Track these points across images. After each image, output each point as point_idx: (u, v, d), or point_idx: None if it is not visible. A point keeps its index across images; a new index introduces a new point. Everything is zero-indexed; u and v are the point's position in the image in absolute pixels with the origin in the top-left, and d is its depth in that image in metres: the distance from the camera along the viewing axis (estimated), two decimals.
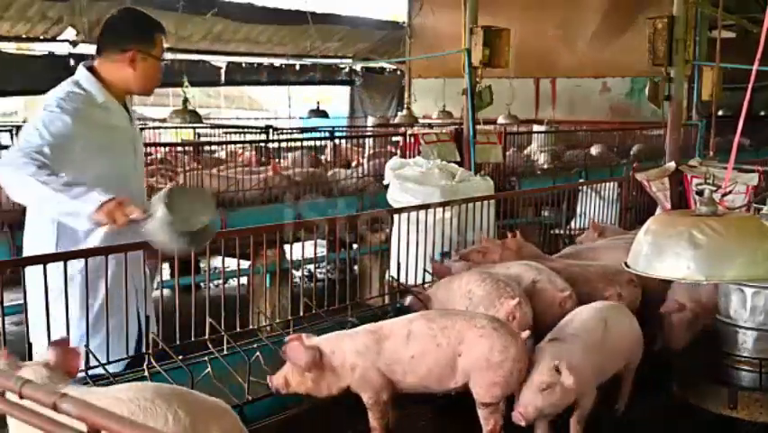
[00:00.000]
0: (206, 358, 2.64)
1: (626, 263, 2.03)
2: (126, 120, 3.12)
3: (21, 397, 1.11)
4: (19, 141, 2.81)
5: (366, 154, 8.43)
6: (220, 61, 14.56)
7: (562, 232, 5.13)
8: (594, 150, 9.79)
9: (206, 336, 2.83)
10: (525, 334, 2.44)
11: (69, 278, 2.60)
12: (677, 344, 3.15)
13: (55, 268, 2.56)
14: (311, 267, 8.08)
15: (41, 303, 2.51)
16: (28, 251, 3.01)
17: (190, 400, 1.88)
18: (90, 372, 2.47)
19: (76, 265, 2.71)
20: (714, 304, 3.06)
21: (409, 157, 6.28)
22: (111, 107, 3.04)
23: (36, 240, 2.98)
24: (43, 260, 2.58)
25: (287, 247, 4.20)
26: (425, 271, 3.64)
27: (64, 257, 2.64)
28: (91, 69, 3.03)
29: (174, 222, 2.43)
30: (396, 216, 4.25)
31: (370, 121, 13.54)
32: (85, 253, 2.71)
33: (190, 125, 9.72)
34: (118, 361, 2.75)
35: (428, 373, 2.42)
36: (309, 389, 2.46)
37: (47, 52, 12.39)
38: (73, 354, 2.06)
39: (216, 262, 3.70)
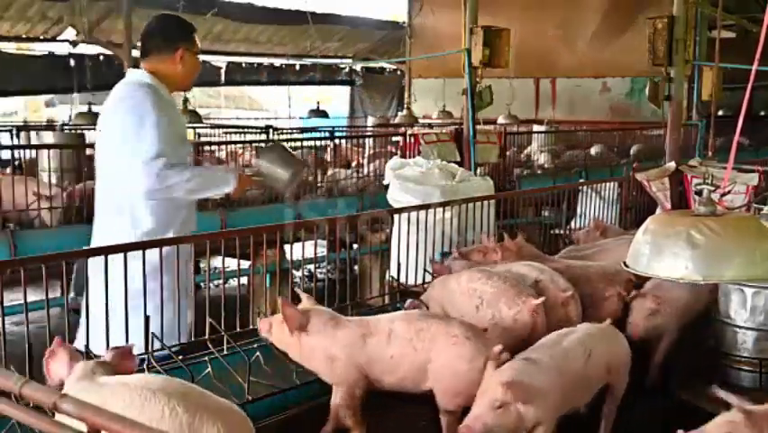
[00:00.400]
0: (206, 358, 2.64)
1: (625, 263, 2.03)
2: (179, 112, 3.74)
3: (20, 397, 1.11)
4: (135, 153, 3.22)
5: (366, 154, 8.42)
6: (220, 61, 14.56)
7: (562, 232, 5.13)
8: (594, 150, 9.79)
9: (206, 336, 2.83)
10: (498, 348, 2.32)
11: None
12: (633, 331, 3.10)
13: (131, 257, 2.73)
14: (311, 267, 8.08)
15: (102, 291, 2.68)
16: (102, 240, 3.30)
17: (195, 397, 1.87)
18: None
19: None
20: (683, 303, 3.07)
21: (409, 157, 6.29)
22: (171, 100, 3.55)
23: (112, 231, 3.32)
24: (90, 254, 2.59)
25: (287, 247, 4.21)
26: (425, 271, 3.64)
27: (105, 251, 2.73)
28: (148, 70, 3.47)
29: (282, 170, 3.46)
30: (396, 216, 4.25)
31: (370, 121, 13.53)
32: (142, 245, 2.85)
33: (190, 125, 9.71)
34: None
35: (404, 375, 2.42)
36: (285, 346, 2.51)
37: (47, 52, 12.39)
38: (130, 356, 2.13)
39: (216, 262, 3.70)
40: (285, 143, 3.86)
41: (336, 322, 2.52)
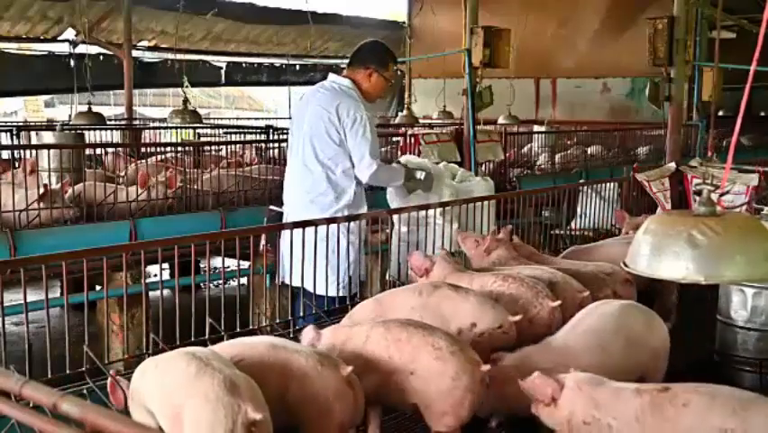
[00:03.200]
0: None
1: (624, 263, 2.03)
2: None
3: (20, 397, 1.11)
4: (364, 148, 4.09)
5: None
6: (220, 61, 14.55)
7: (562, 232, 5.13)
8: (594, 150, 9.78)
9: (206, 336, 2.83)
10: (486, 367, 2.26)
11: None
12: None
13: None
14: None
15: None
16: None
17: (250, 387, 1.97)
18: None
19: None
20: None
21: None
22: (365, 105, 4.25)
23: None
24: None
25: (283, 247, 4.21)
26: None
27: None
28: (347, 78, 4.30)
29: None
30: (396, 217, 4.25)
31: None
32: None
33: (190, 125, 9.71)
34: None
35: (379, 385, 2.29)
36: None
37: (47, 52, 12.38)
38: None
39: (216, 262, 3.70)
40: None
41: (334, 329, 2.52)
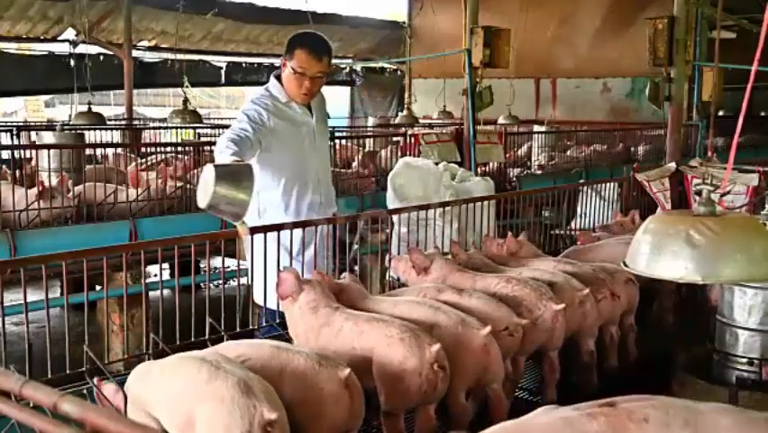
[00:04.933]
0: None
1: (624, 263, 2.03)
2: (306, 115, 3.85)
3: (20, 397, 1.11)
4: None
5: (357, 157, 8.39)
6: (220, 61, 14.56)
7: (562, 232, 5.13)
8: (594, 150, 9.79)
9: (206, 336, 2.83)
10: (436, 347, 2.30)
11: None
12: None
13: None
14: None
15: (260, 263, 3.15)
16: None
17: (264, 387, 1.96)
18: None
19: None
20: None
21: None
22: (291, 105, 3.78)
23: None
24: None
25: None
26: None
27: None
28: (278, 77, 3.80)
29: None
30: (395, 217, 4.25)
31: (371, 121, 13.53)
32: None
33: (190, 125, 9.72)
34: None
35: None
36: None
37: (47, 52, 12.39)
38: None
39: (216, 262, 3.70)
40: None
41: (316, 305, 2.54)
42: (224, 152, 3.23)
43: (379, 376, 2.34)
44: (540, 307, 2.81)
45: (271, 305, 3.27)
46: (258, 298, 3.37)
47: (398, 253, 4.04)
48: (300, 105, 3.81)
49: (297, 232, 3.37)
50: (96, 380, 2.31)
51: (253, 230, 3.16)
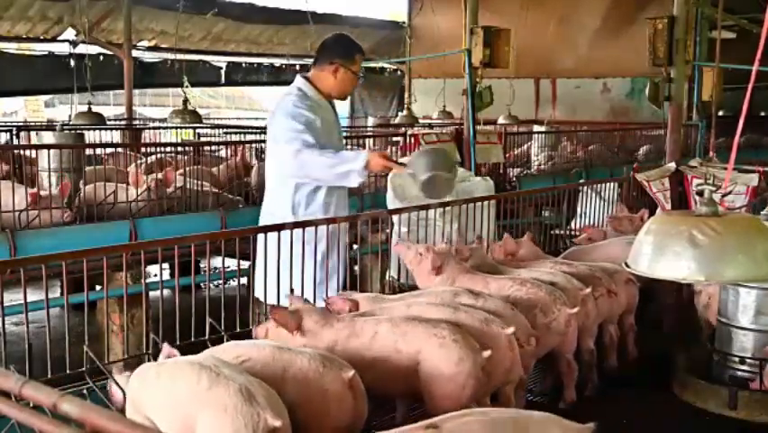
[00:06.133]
0: None
1: (626, 263, 2.02)
2: (331, 113, 4.08)
3: (20, 397, 1.11)
4: (280, 138, 3.79)
5: None
6: (220, 61, 14.55)
7: (562, 232, 5.13)
8: (594, 150, 9.78)
9: (206, 336, 2.83)
10: (487, 353, 2.33)
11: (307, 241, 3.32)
12: None
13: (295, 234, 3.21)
14: None
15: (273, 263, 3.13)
16: (266, 220, 3.87)
17: (266, 393, 1.93)
18: None
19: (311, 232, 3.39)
20: None
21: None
22: (322, 103, 3.98)
23: (276, 210, 3.88)
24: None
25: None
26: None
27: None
28: (306, 78, 4.02)
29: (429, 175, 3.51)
30: (395, 217, 4.25)
31: (371, 121, 13.52)
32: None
33: (190, 125, 9.71)
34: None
35: (388, 378, 2.36)
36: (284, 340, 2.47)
37: (47, 52, 12.38)
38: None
39: (216, 262, 3.70)
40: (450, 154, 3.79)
41: (325, 321, 2.51)
42: (332, 162, 3.67)
43: (428, 378, 2.31)
44: (554, 310, 2.82)
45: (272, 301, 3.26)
46: (260, 294, 3.41)
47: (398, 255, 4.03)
48: (327, 103, 4.04)
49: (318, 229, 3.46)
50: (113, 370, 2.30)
51: (264, 229, 3.22)
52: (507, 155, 8.30)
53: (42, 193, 5.12)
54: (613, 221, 4.32)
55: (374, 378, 2.32)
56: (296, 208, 3.86)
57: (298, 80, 4.03)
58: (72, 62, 11.56)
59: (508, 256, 3.55)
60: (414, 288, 3.40)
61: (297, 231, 3.22)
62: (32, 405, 1.52)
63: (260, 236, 3.42)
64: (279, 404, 1.95)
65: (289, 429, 1.91)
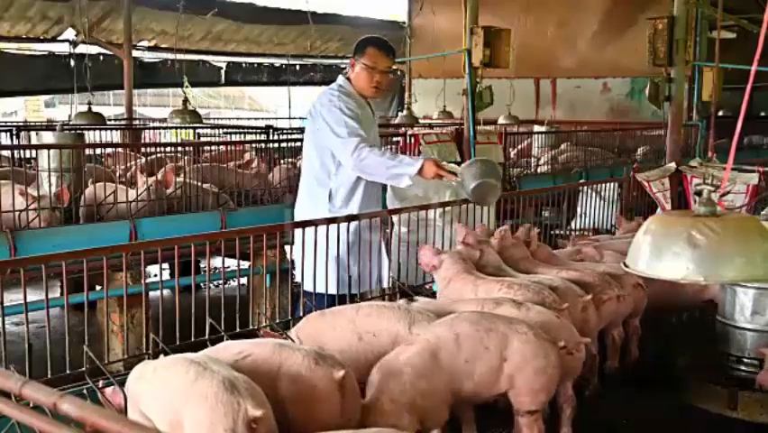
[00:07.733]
0: None
1: (625, 263, 2.03)
2: (368, 110, 4.22)
3: (20, 397, 1.11)
4: (339, 131, 3.91)
5: None
6: (220, 61, 14.55)
7: (562, 232, 5.13)
8: (593, 150, 9.78)
9: (206, 336, 2.83)
10: (561, 343, 2.44)
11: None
12: None
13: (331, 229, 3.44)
14: None
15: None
16: (301, 215, 4.04)
17: (248, 385, 1.96)
18: None
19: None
20: None
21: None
22: (361, 101, 4.14)
23: (310, 207, 4.09)
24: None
25: (287, 247, 4.21)
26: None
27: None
28: (347, 77, 4.18)
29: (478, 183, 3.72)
30: (395, 217, 4.25)
31: None
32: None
33: (190, 125, 9.71)
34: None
35: (479, 378, 2.35)
36: None
37: (47, 52, 12.38)
38: None
39: (216, 262, 3.70)
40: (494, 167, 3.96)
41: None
42: (391, 163, 3.84)
43: (520, 372, 2.36)
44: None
45: (332, 290, 3.64)
46: (319, 285, 3.68)
47: (398, 254, 4.04)
48: (364, 101, 4.18)
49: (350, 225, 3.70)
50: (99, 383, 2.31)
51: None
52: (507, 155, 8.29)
53: (34, 193, 5.10)
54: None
55: None
56: (333, 205, 4.05)
57: (340, 79, 4.21)
58: (72, 62, 11.57)
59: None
60: (414, 288, 3.41)
61: (332, 226, 3.43)
62: (31, 405, 1.52)
63: (297, 232, 3.66)
64: (262, 397, 1.97)
65: (271, 420, 1.93)
